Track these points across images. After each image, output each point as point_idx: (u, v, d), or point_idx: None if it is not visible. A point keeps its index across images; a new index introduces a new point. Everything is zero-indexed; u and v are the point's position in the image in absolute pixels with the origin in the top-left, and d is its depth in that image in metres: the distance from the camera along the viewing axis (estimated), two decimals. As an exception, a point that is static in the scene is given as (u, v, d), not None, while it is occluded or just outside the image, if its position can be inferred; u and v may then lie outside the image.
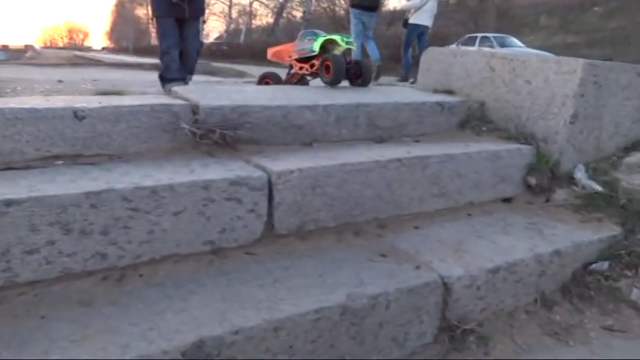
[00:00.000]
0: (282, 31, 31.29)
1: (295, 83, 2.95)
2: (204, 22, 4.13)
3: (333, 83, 2.54)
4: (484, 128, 2.45)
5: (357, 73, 2.69)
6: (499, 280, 1.63)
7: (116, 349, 1.06)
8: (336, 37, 2.67)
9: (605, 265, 1.89)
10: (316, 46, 2.67)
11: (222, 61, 18.55)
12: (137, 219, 1.38)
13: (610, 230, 1.97)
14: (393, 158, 1.83)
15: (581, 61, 2.11)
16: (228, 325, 1.17)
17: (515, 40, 17.64)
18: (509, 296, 1.68)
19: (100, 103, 1.72)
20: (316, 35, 2.74)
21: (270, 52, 3.06)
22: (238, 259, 1.53)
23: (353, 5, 7.14)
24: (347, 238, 1.74)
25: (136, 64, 10.41)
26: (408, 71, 8.39)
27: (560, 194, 2.22)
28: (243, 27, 39.00)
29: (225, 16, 40.72)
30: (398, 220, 1.89)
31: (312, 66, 2.75)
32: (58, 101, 1.74)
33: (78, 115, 1.62)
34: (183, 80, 3.80)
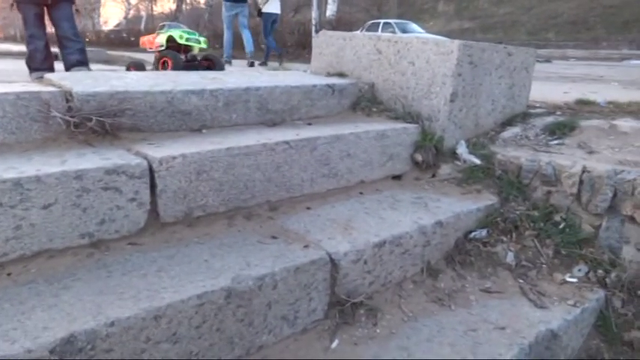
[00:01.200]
0: (185, 17, 30.21)
1: None
2: (77, 10, 3.88)
3: None
4: (374, 109, 2.53)
5: (208, 68, 2.65)
6: (385, 253, 1.69)
7: (-27, 354, 0.99)
8: (175, 34, 2.62)
9: (484, 232, 2.03)
10: (163, 40, 2.64)
11: (122, 49, 17.63)
12: (0, 214, 1.28)
13: (487, 200, 2.12)
14: (280, 141, 1.83)
15: (456, 42, 2.23)
16: (103, 318, 1.12)
17: (415, 26, 18.27)
18: (396, 268, 1.76)
19: (-44, 92, 1.57)
20: (168, 29, 2.72)
21: (141, 40, 3.03)
22: (121, 250, 1.47)
23: None
24: (238, 223, 1.73)
25: (21, 54, 9.59)
26: (269, 55, 9.59)
27: (445, 169, 2.35)
28: (143, 13, 37.21)
29: (123, 2, 38.65)
30: (290, 202, 1.91)
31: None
32: None
33: None
34: (50, 70, 3.58)
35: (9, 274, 1.30)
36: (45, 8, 3.58)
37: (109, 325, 1.11)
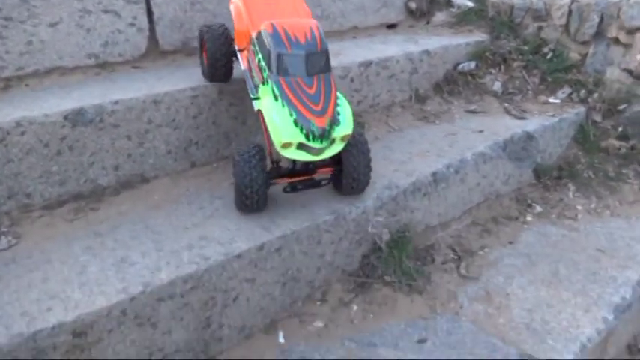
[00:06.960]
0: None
1: None
2: None
3: None
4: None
5: None
6: (372, 73, 1.80)
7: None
8: None
9: (472, 64, 2.10)
10: None
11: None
12: (12, 29, 1.42)
13: (478, 37, 2.18)
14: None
15: None
16: (108, 98, 1.28)
17: None
18: (384, 91, 1.87)
19: None
20: None
21: None
22: (125, 71, 1.62)
23: None
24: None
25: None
26: None
27: (439, 16, 2.39)
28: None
29: None
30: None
31: None
32: None
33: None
34: None
35: (27, 85, 1.46)
36: None
37: (114, 103, 1.27)
